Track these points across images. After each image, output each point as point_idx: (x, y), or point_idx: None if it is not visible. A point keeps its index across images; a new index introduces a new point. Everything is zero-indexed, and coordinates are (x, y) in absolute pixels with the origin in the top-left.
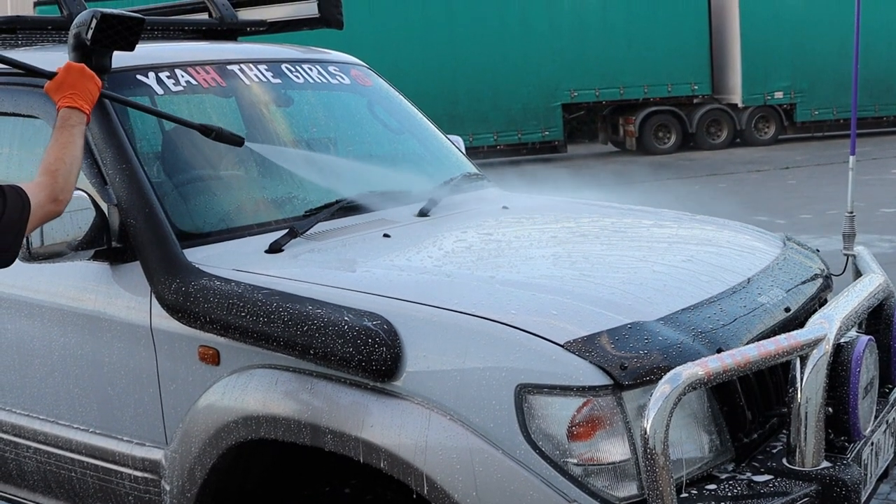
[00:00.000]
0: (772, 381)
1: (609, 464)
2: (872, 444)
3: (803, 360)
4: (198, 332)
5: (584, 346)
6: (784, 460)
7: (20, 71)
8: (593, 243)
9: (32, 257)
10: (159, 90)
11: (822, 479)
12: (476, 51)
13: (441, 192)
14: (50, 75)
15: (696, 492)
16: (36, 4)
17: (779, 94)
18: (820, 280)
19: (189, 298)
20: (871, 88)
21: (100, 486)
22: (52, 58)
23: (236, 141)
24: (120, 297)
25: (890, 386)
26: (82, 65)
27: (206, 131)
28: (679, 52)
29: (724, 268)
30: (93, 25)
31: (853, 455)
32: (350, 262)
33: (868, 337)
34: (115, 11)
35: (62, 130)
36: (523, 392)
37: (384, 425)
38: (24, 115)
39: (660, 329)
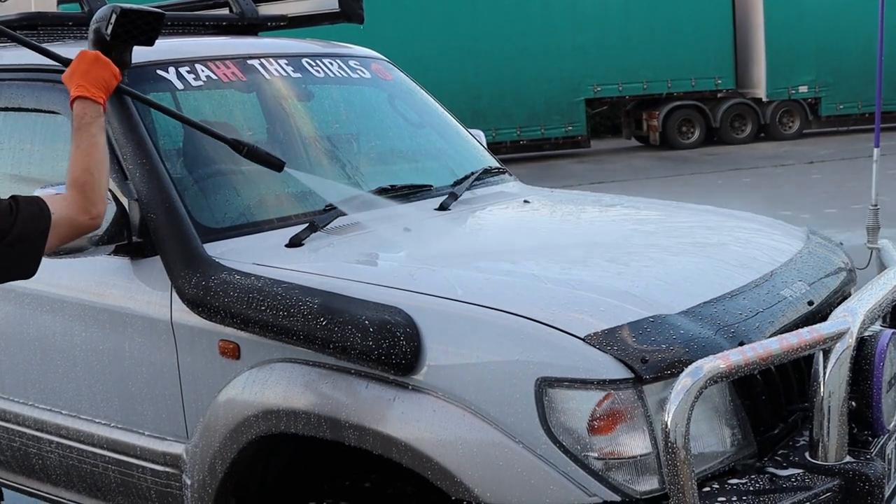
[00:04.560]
0: (795, 375)
1: (630, 458)
2: None
3: (826, 353)
4: (218, 326)
5: (604, 340)
6: (807, 455)
7: (43, 62)
8: (615, 237)
9: (54, 252)
10: (179, 85)
11: (845, 474)
12: (498, 46)
13: (462, 186)
14: (67, 62)
15: (717, 486)
16: (59, 1)
17: (803, 89)
18: (844, 273)
19: (209, 293)
20: None
21: (121, 480)
22: (72, 53)
23: (273, 163)
24: (141, 292)
25: None
26: (97, 52)
27: (238, 147)
28: (702, 47)
29: (747, 261)
30: (112, 21)
31: (877, 450)
32: (370, 255)
33: (892, 330)
34: (135, 7)
35: (80, 133)
36: (544, 385)
37: (404, 419)
38: (45, 111)
39: (681, 322)
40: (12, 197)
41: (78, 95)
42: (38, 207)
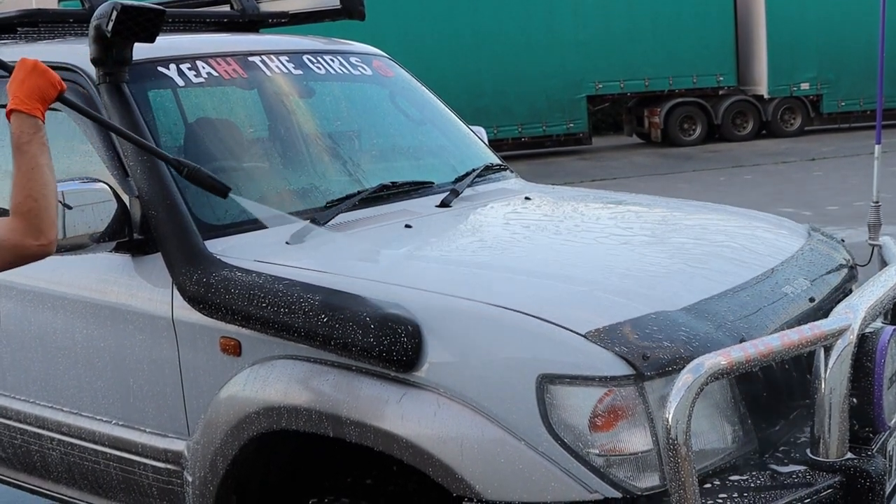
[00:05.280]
0: (796, 371)
1: (631, 454)
2: None
3: (827, 350)
4: (219, 323)
5: (606, 336)
6: (808, 451)
7: (45, 58)
8: (616, 234)
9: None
10: (180, 82)
11: (846, 471)
12: (500, 43)
13: (463, 182)
14: (10, 69)
15: (718, 482)
16: None
17: (805, 86)
18: (845, 270)
19: (210, 290)
20: None
21: (123, 477)
22: (73, 50)
23: (217, 188)
24: (142, 289)
25: None
26: (35, 60)
27: (178, 168)
28: (704, 43)
29: (749, 258)
30: (113, 17)
31: (878, 446)
32: (371, 252)
33: (893, 327)
34: (136, 3)
35: (20, 154)
36: (545, 382)
37: (405, 416)
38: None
39: (682, 319)
40: None
41: (12, 109)
42: None
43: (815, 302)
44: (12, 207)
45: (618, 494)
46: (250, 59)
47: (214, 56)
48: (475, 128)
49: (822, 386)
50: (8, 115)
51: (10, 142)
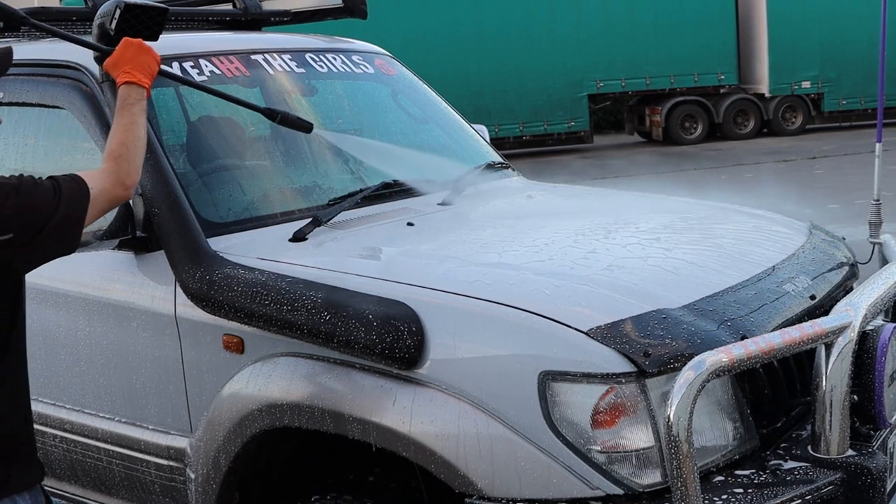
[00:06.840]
0: (797, 369)
1: (633, 451)
2: None
3: (828, 347)
4: (222, 320)
5: (607, 333)
6: (809, 448)
7: (46, 57)
8: (617, 232)
9: None
10: None
11: (847, 468)
12: (502, 41)
13: (465, 181)
14: (108, 52)
15: (720, 479)
16: None
17: (806, 84)
18: (846, 268)
19: (213, 287)
20: None
21: (125, 474)
22: (76, 48)
23: (303, 126)
24: (145, 287)
25: None
26: (140, 40)
27: (272, 115)
28: (706, 42)
29: (750, 255)
30: (117, 16)
31: (878, 443)
32: (374, 250)
33: (894, 325)
34: (140, 1)
35: (122, 111)
36: (546, 379)
37: (407, 413)
38: (49, 106)
39: (684, 316)
40: (51, 177)
41: (125, 81)
42: (77, 185)
43: (817, 299)
44: (106, 154)
45: (619, 491)
46: (253, 57)
47: (217, 54)
48: (477, 126)
49: (823, 383)
50: (119, 84)
51: (116, 104)
